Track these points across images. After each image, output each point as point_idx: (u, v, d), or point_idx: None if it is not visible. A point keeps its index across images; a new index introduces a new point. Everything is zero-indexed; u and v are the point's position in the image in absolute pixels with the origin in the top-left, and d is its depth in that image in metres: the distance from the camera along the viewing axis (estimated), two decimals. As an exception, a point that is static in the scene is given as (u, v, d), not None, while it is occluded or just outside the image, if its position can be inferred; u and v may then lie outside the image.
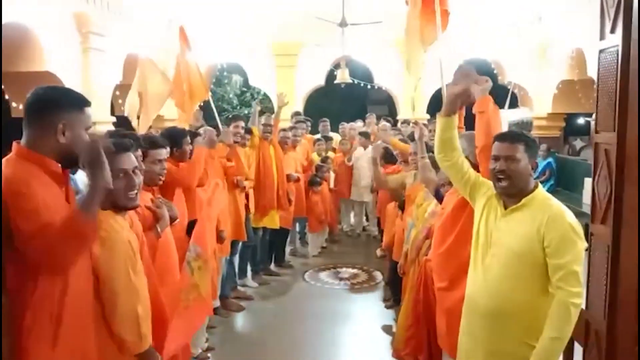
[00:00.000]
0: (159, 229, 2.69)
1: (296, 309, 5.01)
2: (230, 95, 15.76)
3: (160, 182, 2.93)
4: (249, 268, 5.65)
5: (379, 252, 4.94)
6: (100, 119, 6.61)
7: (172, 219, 2.96)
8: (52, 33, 5.91)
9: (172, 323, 2.39)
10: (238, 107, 15.45)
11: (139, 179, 2.28)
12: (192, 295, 2.52)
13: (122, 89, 8.04)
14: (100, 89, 6.78)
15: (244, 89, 15.83)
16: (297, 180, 6.04)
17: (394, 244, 4.50)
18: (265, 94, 10.81)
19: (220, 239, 4.32)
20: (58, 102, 1.77)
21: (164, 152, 2.96)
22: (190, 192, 3.92)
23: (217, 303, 4.70)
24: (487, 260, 2.13)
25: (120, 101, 7.97)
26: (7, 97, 5.86)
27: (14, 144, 1.78)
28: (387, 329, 4.44)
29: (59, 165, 1.78)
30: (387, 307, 4.91)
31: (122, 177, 2.06)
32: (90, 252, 1.90)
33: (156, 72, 4.73)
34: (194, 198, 3.93)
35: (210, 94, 5.25)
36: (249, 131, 5.23)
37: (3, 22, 5.02)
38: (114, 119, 7.14)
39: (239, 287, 5.34)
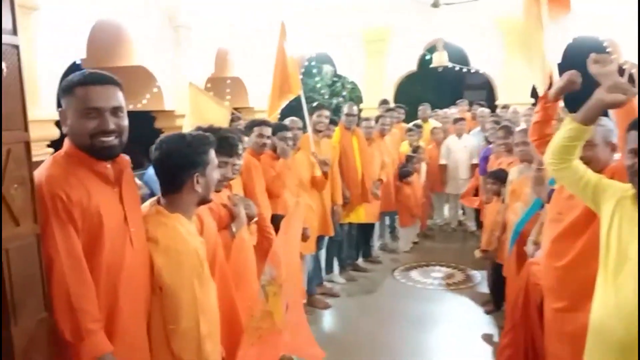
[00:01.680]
0: (233, 229, 2.51)
1: (384, 309, 4.71)
2: (319, 86, 15.63)
3: (234, 178, 2.76)
4: (335, 263, 5.42)
5: (477, 253, 4.46)
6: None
7: (250, 218, 2.77)
8: (144, 28, 6.00)
9: (242, 353, 2.18)
10: (328, 98, 15.29)
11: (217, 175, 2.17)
12: (265, 324, 2.28)
13: (214, 82, 8.13)
14: (192, 80, 6.81)
15: (335, 79, 15.63)
16: (381, 181, 5.69)
17: (496, 243, 4.06)
18: (354, 84, 10.51)
19: (304, 236, 4.14)
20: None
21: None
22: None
23: (302, 300, 4.53)
24: (620, 279, 1.70)
25: (211, 93, 8.06)
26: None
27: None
28: (487, 337, 4.01)
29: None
30: (487, 312, 4.46)
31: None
32: (152, 261, 1.75)
33: (208, 100, 4.51)
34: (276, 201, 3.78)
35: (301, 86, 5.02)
36: (334, 122, 4.98)
37: (97, 19, 5.16)
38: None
39: (325, 283, 5.14)
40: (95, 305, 1.55)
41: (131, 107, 6.18)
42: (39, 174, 1.58)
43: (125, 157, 1.79)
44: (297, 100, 4.73)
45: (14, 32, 1.42)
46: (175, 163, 1.88)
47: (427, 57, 8.66)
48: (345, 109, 5.28)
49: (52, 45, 4.52)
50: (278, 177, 3.70)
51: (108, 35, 5.75)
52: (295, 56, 8.55)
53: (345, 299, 4.94)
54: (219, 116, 4.13)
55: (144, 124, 5.91)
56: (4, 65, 1.35)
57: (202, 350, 1.80)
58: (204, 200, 1.98)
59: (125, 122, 1.73)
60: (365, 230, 5.84)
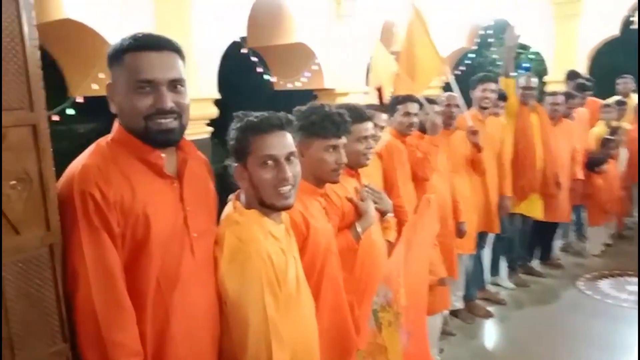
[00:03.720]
0: (358, 229, 2.07)
1: (561, 326, 3.89)
2: (496, 56, 14.23)
3: (367, 163, 2.31)
4: (503, 264, 4.68)
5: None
6: (353, 89, 6.38)
7: (382, 214, 2.31)
8: (305, 2, 5.79)
9: None
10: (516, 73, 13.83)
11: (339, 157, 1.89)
12: (376, 362, 1.82)
13: (378, 57, 7.71)
14: (354, 57, 6.50)
15: (519, 51, 14.10)
16: None
17: None
18: (539, 54, 9.21)
19: (460, 232, 3.55)
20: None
21: (370, 127, 2.31)
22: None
23: (459, 304, 3.95)
24: None
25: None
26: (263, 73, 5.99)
27: None
28: None
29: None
30: None
31: (267, 165, 1.48)
32: (216, 267, 1.41)
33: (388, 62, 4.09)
34: (424, 183, 3.24)
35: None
36: (504, 97, 4.22)
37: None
38: (366, 89, 6.83)
39: (488, 287, 4.45)
40: (132, 334, 1.23)
41: (290, 86, 6.09)
42: (73, 165, 1.28)
43: (190, 143, 1.44)
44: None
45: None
46: (229, 147, 1.52)
47: (632, 19, 7.12)
48: (521, 80, 4.44)
49: (211, 24, 4.51)
50: (425, 157, 3.15)
51: (269, 13, 5.67)
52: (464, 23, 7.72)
53: (511, 308, 4.21)
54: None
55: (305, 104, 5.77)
56: None
57: None
58: (266, 205, 1.51)
59: (187, 99, 1.37)
60: (545, 226, 4.89)
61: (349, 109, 2.16)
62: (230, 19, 4.76)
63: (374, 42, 4.15)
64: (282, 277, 1.43)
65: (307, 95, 6.31)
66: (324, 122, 1.87)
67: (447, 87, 4.98)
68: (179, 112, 1.34)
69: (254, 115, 1.48)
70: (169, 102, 1.30)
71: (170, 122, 1.32)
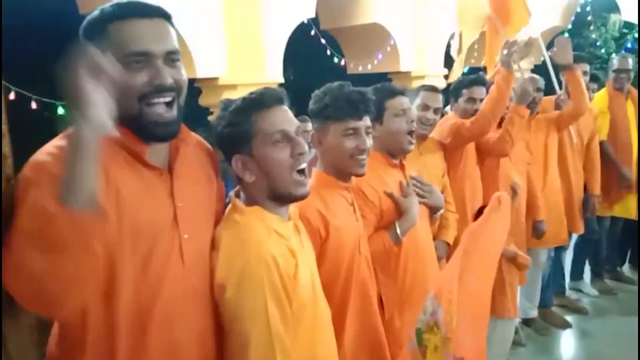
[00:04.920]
0: (398, 230, 1.85)
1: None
2: (605, 38, 12.97)
3: (410, 148, 2.05)
4: (587, 268, 4.22)
5: None
6: (431, 71, 6.05)
7: (434, 210, 2.08)
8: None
9: None
10: (613, 54, 12.59)
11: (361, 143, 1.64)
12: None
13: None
14: (434, 39, 6.13)
15: (625, 31, 12.77)
16: None
17: None
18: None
19: (537, 232, 3.20)
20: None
21: (406, 101, 2.06)
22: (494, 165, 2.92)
23: (533, 313, 3.59)
24: None
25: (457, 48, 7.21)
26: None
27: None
28: None
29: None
30: None
31: (280, 142, 1.27)
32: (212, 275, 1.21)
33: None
34: (496, 173, 2.92)
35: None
36: (596, 79, 3.74)
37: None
38: (445, 71, 6.45)
39: (568, 293, 4.03)
40: None
41: (361, 69, 5.85)
42: (40, 151, 1.07)
43: (184, 128, 1.22)
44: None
45: None
46: (216, 141, 1.32)
47: None
48: (614, 62, 3.93)
49: (277, 6, 4.38)
50: (505, 129, 2.77)
51: (340, -9, 5.45)
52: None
53: (594, 319, 3.79)
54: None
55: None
56: None
57: None
58: (281, 195, 1.30)
59: (184, 75, 1.16)
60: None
61: (376, 88, 1.95)
62: (298, 1, 4.60)
63: None
64: (290, 283, 1.23)
65: (382, 79, 6.05)
66: (338, 102, 1.63)
67: (538, 71, 4.54)
68: (178, 90, 1.14)
69: (249, 93, 1.28)
70: (168, 77, 1.10)
71: (169, 110, 1.12)
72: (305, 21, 4.82)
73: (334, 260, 1.60)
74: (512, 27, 3.51)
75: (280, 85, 4.46)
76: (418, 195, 2.00)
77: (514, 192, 2.83)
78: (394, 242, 1.85)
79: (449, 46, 5.61)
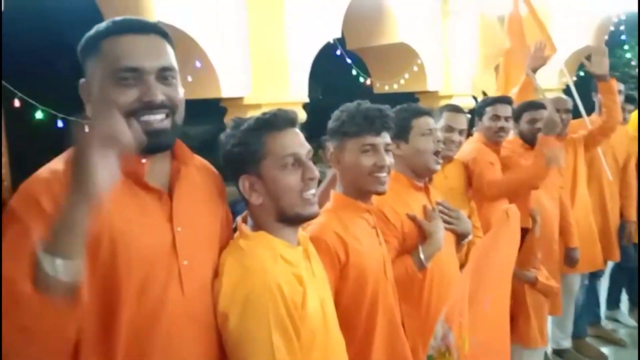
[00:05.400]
0: (421, 255, 1.77)
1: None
2: (630, 56, 12.62)
3: (437, 167, 1.99)
4: (624, 296, 4.02)
5: None
6: (459, 91, 5.96)
7: (461, 237, 1.99)
8: (407, 0, 5.48)
9: None
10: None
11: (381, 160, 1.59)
12: None
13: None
14: (461, 58, 6.05)
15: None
16: None
17: None
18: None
19: (570, 259, 3.06)
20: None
21: (432, 122, 2.01)
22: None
23: (566, 343, 3.42)
24: None
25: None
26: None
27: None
28: None
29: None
30: None
31: (290, 166, 1.24)
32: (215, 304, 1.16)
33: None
34: (526, 199, 2.82)
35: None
36: (631, 99, 3.63)
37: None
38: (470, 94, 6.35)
39: (604, 323, 3.84)
40: None
41: (387, 89, 5.80)
42: (34, 174, 1.03)
43: (186, 149, 1.20)
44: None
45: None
46: (224, 160, 1.28)
47: None
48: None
49: (303, 26, 4.38)
50: (535, 161, 2.71)
51: (368, 12, 5.43)
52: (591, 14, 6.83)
53: (631, 350, 3.60)
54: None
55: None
56: None
57: None
58: (288, 217, 1.25)
59: (180, 93, 1.13)
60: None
61: (402, 107, 1.91)
62: (324, 21, 4.60)
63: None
64: (297, 312, 1.16)
65: (410, 99, 5.99)
66: (355, 118, 1.59)
67: (569, 91, 4.43)
68: (172, 108, 1.10)
69: (262, 114, 1.25)
70: (159, 94, 1.06)
71: (161, 122, 1.08)
72: (332, 41, 4.82)
73: (356, 286, 1.54)
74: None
75: (306, 105, 4.45)
76: (444, 221, 1.92)
77: (533, 220, 2.72)
78: (417, 268, 1.77)
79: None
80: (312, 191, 1.25)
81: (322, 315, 1.25)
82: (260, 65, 4.32)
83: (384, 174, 1.63)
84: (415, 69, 5.66)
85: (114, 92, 1.04)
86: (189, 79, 3.87)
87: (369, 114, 1.60)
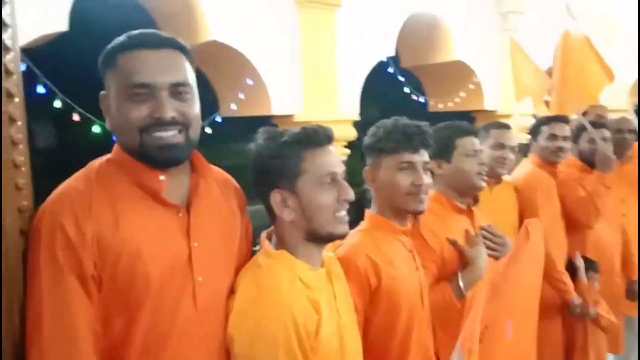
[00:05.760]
0: (460, 283, 1.67)
1: None
2: None
3: (481, 186, 1.87)
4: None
5: None
6: (518, 110, 5.76)
7: None
8: (464, 17, 5.37)
9: None
10: None
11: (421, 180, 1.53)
12: None
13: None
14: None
15: None
16: None
17: None
18: None
19: (631, 293, 2.83)
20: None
21: (477, 142, 1.89)
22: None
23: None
24: None
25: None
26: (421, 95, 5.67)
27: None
28: None
29: None
30: None
31: (328, 184, 1.20)
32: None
33: (527, 63, 3.42)
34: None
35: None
36: None
37: (410, 12, 4.80)
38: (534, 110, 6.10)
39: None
40: None
41: (441, 107, 5.67)
42: (55, 191, 1.07)
43: (205, 163, 1.20)
44: None
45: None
46: (255, 171, 1.24)
47: None
48: None
49: (354, 44, 4.38)
50: (590, 199, 2.54)
51: (423, 29, 5.36)
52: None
53: None
54: (534, 85, 3.21)
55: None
56: None
57: None
58: (319, 236, 1.21)
59: (195, 108, 1.12)
60: None
61: (446, 124, 1.82)
62: (376, 39, 4.58)
63: (509, 40, 3.49)
64: (310, 341, 1.11)
65: (467, 118, 5.83)
66: (392, 134, 1.53)
67: None
68: (185, 124, 1.10)
69: (298, 129, 1.22)
70: (170, 110, 1.06)
71: (171, 137, 1.08)
72: (385, 59, 4.77)
73: (389, 312, 1.45)
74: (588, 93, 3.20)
75: (360, 122, 4.42)
76: (488, 247, 1.80)
77: (574, 267, 2.54)
78: (456, 296, 1.66)
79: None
80: (345, 212, 1.22)
81: (339, 342, 1.19)
82: (311, 83, 4.33)
83: (423, 195, 1.54)
84: (472, 87, 5.51)
85: (128, 108, 1.05)
86: (240, 95, 3.94)
87: (407, 130, 1.53)
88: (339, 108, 4.32)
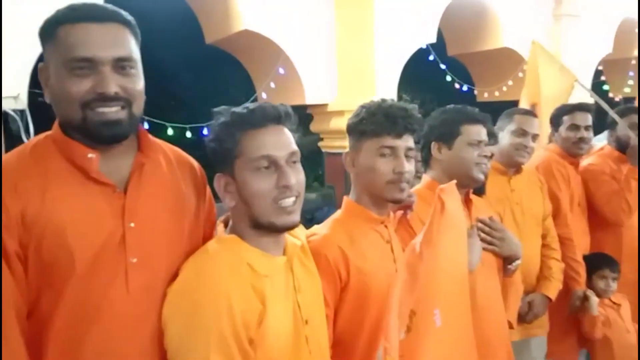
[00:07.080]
0: None
1: None
2: None
3: (480, 178, 1.72)
4: None
5: None
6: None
7: (508, 260, 1.75)
8: (512, 2, 5.13)
9: None
10: None
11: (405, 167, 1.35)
12: None
13: (610, 65, 6.43)
14: (579, 64, 5.52)
15: None
16: None
17: None
18: None
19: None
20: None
21: (483, 133, 1.73)
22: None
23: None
24: None
25: (602, 78, 6.44)
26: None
27: None
28: None
29: None
30: None
31: (264, 169, 1.09)
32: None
33: (551, 65, 3.16)
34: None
35: None
36: None
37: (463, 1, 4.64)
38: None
39: None
40: None
41: (486, 96, 5.45)
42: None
43: (154, 142, 1.14)
44: None
45: None
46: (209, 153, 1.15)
47: None
48: None
49: (392, 32, 4.28)
50: (622, 194, 2.34)
51: (470, 16, 5.16)
52: None
53: None
54: (555, 89, 2.98)
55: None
56: None
57: None
58: (261, 225, 1.09)
59: (139, 84, 1.07)
60: None
61: (455, 107, 1.69)
62: (415, 26, 4.45)
63: (531, 43, 3.24)
64: (248, 332, 1.03)
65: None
66: (375, 115, 1.36)
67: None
68: (128, 99, 1.05)
69: (242, 107, 1.12)
70: (113, 86, 1.02)
71: (116, 112, 1.03)
72: (424, 47, 4.63)
73: (355, 311, 1.32)
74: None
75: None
76: (484, 240, 1.67)
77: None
78: None
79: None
80: (290, 200, 1.09)
81: (296, 336, 1.10)
82: (346, 72, 4.27)
83: (403, 183, 1.41)
84: (521, 74, 5.26)
85: (69, 82, 1.01)
86: (272, 85, 3.95)
87: (392, 113, 1.35)
88: (375, 96, 4.24)
